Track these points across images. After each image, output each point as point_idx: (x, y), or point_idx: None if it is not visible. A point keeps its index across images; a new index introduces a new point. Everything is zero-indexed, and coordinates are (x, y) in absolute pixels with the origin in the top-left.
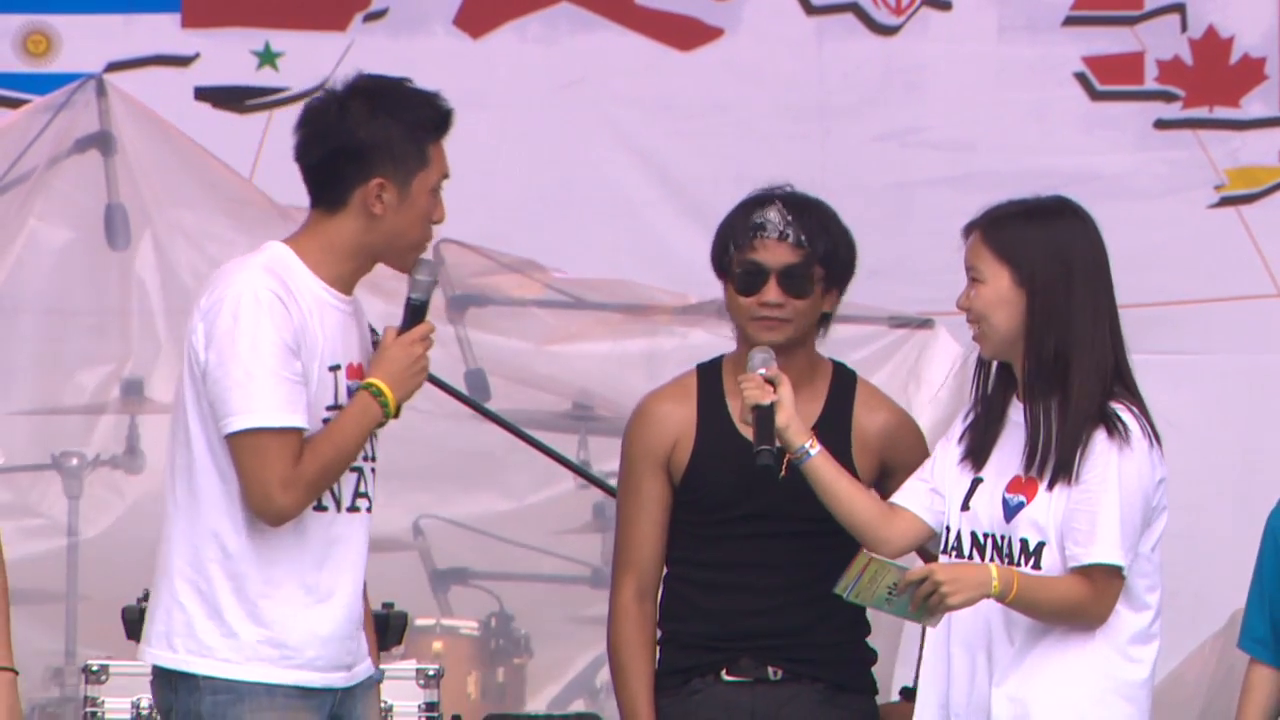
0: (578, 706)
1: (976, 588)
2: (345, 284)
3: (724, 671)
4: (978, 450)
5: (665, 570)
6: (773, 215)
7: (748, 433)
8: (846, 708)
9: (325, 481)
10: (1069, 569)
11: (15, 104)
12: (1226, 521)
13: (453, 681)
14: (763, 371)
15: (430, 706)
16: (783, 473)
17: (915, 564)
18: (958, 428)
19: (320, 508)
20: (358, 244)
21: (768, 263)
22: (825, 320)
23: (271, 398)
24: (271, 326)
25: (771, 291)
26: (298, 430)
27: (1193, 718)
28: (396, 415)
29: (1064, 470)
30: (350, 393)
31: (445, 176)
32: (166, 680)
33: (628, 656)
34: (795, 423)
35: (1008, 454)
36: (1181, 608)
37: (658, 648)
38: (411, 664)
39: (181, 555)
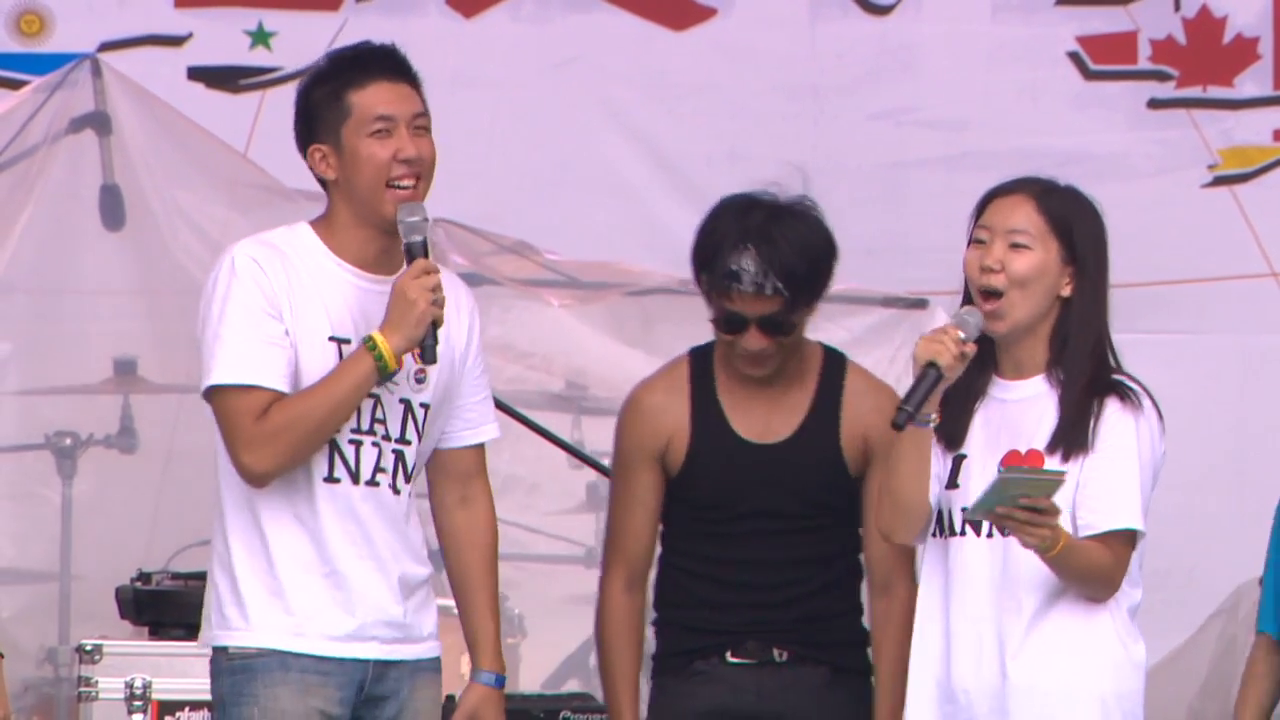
0: (571, 686)
1: (1046, 538)
2: (366, 260)
3: (728, 653)
4: (955, 428)
5: (660, 553)
6: (747, 264)
7: (740, 428)
8: (847, 688)
9: (295, 436)
10: (1082, 538)
11: (8, 83)
12: (1219, 501)
13: (446, 661)
14: (962, 335)
15: None
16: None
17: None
18: None
19: (332, 479)
20: (348, 214)
21: (746, 313)
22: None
23: (232, 356)
24: (241, 289)
25: (752, 339)
26: (263, 390)
27: (1191, 695)
28: (399, 365)
29: (1079, 441)
30: None
31: (382, 117)
32: (211, 662)
33: (616, 647)
34: (939, 395)
35: (995, 429)
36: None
37: (652, 630)
38: None
39: (217, 534)
